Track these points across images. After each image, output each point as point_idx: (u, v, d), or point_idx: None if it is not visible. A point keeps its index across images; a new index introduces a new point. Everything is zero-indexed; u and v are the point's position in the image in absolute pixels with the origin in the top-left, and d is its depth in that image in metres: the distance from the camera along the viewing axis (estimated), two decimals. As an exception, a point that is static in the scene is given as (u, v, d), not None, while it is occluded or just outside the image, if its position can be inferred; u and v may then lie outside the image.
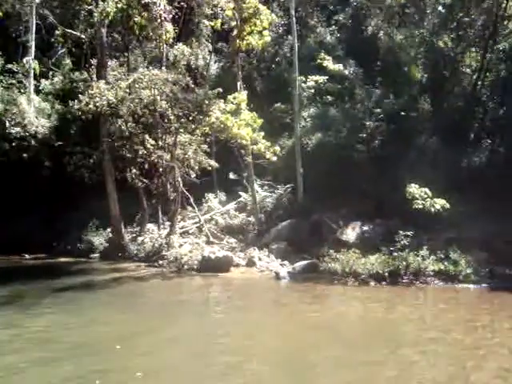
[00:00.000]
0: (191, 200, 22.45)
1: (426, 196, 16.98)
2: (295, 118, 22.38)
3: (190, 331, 10.54)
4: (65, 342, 9.14)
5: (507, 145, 22.44)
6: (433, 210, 16.86)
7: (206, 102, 19.50)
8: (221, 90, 19.93)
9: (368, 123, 22.39)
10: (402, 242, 16.37)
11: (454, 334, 10.43)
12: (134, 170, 20.94)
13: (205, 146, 21.27)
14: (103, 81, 19.89)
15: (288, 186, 22.29)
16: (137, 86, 19.03)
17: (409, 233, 16.60)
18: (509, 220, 19.13)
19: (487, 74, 25.35)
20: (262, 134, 19.91)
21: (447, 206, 17.02)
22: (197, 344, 9.47)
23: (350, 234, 18.71)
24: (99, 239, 22.12)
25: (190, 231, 22.11)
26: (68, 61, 26.49)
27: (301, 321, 11.52)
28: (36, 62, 22.90)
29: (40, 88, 24.94)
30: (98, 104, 18.57)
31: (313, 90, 24.50)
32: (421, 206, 16.87)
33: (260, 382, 7.42)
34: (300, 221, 20.50)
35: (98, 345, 9.05)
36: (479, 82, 25.24)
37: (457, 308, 13.37)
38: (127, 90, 19.04)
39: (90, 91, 18.96)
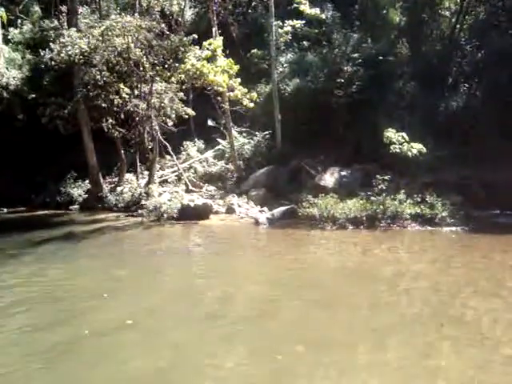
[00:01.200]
0: (169, 149, 22.29)
1: (403, 140, 16.96)
2: (272, 63, 22.08)
3: (172, 277, 10.69)
4: (47, 292, 9.18)
5: (484, 89, 22.52)
6: (410, 154, 16.87)
7: (182, 48, 19.14)
8: (196, 36, 19.55)
9: (346, 68, 22.22)
10: (380, 187, 16.47)
11: (429, 274, 10.67)
12: (110, 120, 20.55)
13: (181, 94, 20.93)
14: (74, 29, 19.31)
15: (266, 132, 22.27)
16: (109, 33, 18.48)
17: (386, 177, 16.68)
18: (484, 164, 19.40)
19: (466, 16, 25.15)
20: (239, 80, 19.65)
21: (424, 150, 17.04)
22: (180, 289, 9.62)
23: (329, 179, 18.82)
24: (78, 191, 21.96)
25: (169, 180, 22.08)
26: (37, 8, 25.68)
27: (279, 265, 11.68)
28: (3, 9, 22.12)
29: (9, 37, 24.19)
30: (70, 53, 18.09)
31: (290, 35, 24.07)
32: (398, 151, 16.88)
33: (241, 324, 7.55)
34: (279, 167, 20.57)
35: (84, 294, 9.12)
36: (458, 26, 25.04)
37: (432, 250, 13.62)
38: (100, 38, 18.50)
39: (61, 40, 18.45)
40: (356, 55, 22.57)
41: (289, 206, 17.74)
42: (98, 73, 18.85)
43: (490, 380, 5.72)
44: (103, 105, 20.07)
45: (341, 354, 6.41)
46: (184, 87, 21.20)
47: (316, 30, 24.78)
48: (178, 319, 7.84)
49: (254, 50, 24.85)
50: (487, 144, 20.18)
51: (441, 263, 11.82)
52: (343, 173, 19.05)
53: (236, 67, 19.46)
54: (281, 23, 23.55)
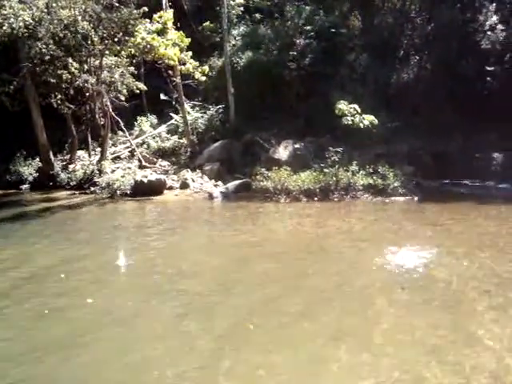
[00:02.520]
0: (121, 124, 21.94)
1: (355, 112, 17.07)
2: (224, 36, 21.81)
3: (127, 254, 10.59)
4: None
5: (434, 61, 22.87)
6: (362, 126, 17.03)
7: (131, 21, 18.61)
8: (146, 9, 19.08)
9: (298, 41, 22.22)
10: (333, 159, 16.66)
11: (380, 243, 10.86)
12: (59, 96, 20.03)
13: (132, 69, 20.55)
14: (17, 0, 18.60)
15: (219, 106, 22.13)
16: (55, 5, 17.87)
17: (339, 149, 16.87)
18: (434, 135, 19.85)
19: (416, -11, 25.36)
20: (190, 53, 19.40)
21: (376, 121, 17.20)
22: (135, 266, 9.56)
23: (282, 152, 18.87)
24: (28, 169, 21.32)
25: (122, 156, 21.76)
26: (-25, -22, 24.50)
27: (233, 238, 11.67)
28: None
29: None
30: (13, 26, 17.41)
31: (242, 8, 23.91)
32: (350, 123, 17.00)
33: (195, 299, 7.56)
34: (232, 141, 20.52)
35: (41, 274, 8.93)
36: (408, -2, 25.28)
37: (384, 219, 13.84)
38: (45, 10, 17.82)
39: (2, 12, 17.70)
40: (308, 28, 22.55)
41: (243, 180, 17.78)
42: (44, 46, 18.23)
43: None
44: (51, 80, 19.48)
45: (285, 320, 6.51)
46: (135, 61, 20.81)
47: (268, 3, 24.70)
48: (131, 295, 7.81)
49: (206, 23, 24.58)
50: (437, 115, 20.62)
51: (393, 232, 12.05)
52: (296, 145, 19.12)
53: (187, 40, 19.16)
54: (233, -5, 23.34)
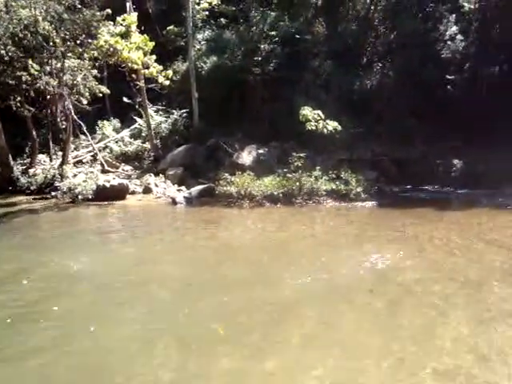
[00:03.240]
0: (84, 128, 21.55)
1: (318, 118, 17.19)
2: (189, 41, 21.67)
3: (88, 260, 10.36)
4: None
5: (397, 69, 23.26)
6: (325, 131, 17.16)
7: (94, 23, 18.34)
8: (109, 11, 18.83)
9: (263, 46, 22.27)
10: (296, 164, 16.70)
11: (343, 247, 10.95)
12: (19, 98, 19.59)
13: (95, 71, 20.20)
14: (-27, -2, 18.16)
15: (183, 110, 22.00)
16: (14, 4, 17.50)
17: (302, 154, 16.93)
18: (397, 141, 20.20)
19: (380, -2, 25.79)
20: (154, 57, 19.24)
21: (339, 127, 17.36)
22: (97, 274, 9.33)
23: (246, 157, 18.87)
24: (-14, 174, 20.80)
25: (84, 160, 21.35)
26: None
27: (196, 243, 11.61)
28: None
29: None
30: (-31, 25, 17.01)
31: (207, 13, 23.86)
32: (314, 128, 17.10)
33: (161, 306, 7.46)
34: (196, 146, 20.40)
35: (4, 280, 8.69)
36: (372, 7, 25.66)
37: (347, 224, 13.96)
38: (3, 9, 17.46)
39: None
40: (273, 33, 22.63)
41: (206, 185, 17.68)
42: (3, 47, 17.78)
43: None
44: (10, 82, 19.02)
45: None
46: (98, 64, 20.43)
47: (233, 8, 24.67)
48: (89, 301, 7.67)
49: (171, 27, 24.43)
50: (399, 122, 20.98)
51: (353, 236, 12.16)
52: (260, 151, 19.18)
53: (151, 44, 18.99)
54: (197, 0, 23.23)
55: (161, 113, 22.69)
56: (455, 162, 21.08)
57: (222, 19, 24.28)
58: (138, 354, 5.86)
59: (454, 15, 26.18)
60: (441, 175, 20.65)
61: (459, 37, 26.18)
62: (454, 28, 26.31)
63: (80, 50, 19.14)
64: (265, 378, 5.34)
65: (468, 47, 26.24)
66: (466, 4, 26.07)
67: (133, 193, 18.02)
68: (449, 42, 26.06)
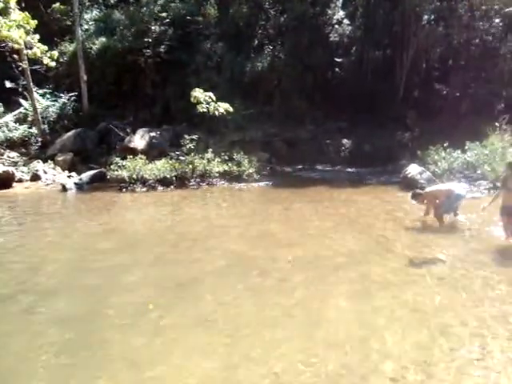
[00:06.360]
0: (-38, 114, 20.29)
1: (210, 100, 17.24)
2: (76, 20, 20.84)
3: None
4: None
5: (287, 51, 23.78)
6: (217, 113, 17.25)
7: (-31, 0, 17.25)
8: (-14, -14, 17.74)
9: (154, 28, 21.94)
10: (188, 146, 16.70)
11: (235, 228, 11.11)
12: None
13: (-30, 52, 19.04)
14: None
15: (72, 94, 21.17)
16: None
17: (194, 137, 16.94)
18: (287, 122, 20.74)
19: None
20: (38, 37, 18.32)
21: (231, 109, 17.48)
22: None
23: (138, 141, 18.59)
24: None
25: (-36, 148, 20.14)
26: None
27: (87, 230, 11.30)
28: None
29: None
30: None
31: (95, -9, 23.15)
32: (205, 110, 17.16)
33: (48, 294, 7.22)
34: (86, 130, 19.77)
35: None
36: (263, -11, 25.96)
37: (240, 205, 14.17)
38: None
39: None
40: (164, 14, 22.38)
41: (98, 170, 17.26)
42: None
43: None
44: None
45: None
46: (-27, 43, 19.25)
47: (122, -13, 24.04)
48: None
49: (56, 5, 23.30)
50: (290, 103, 21.54)
51: (246, 217, 12.35)
52: (153, 134, 18.93)
53: (34, 22, 17.97)
54: (84, -23, 22.49)
55: (48, 96, 21.67)
56: (344, 141, 21.99)
57: (110, -2, 23.65)
58: None
59: (340, 0, 27.14)
60: (330, 155, 21.48)
61: (346, 21, 27.21)
62: (341, 13, 27.29)
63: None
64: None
65: (354, 31, 27.34)
66: (352, -11, 27.15)
67: (20, 181, 17.18)
68: (336, 26, 27.00)
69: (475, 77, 24.42)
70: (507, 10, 23.05)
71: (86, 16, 22.71)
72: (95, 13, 23.14)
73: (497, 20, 24.93)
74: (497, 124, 16.08)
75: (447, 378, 4.54)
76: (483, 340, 5.18)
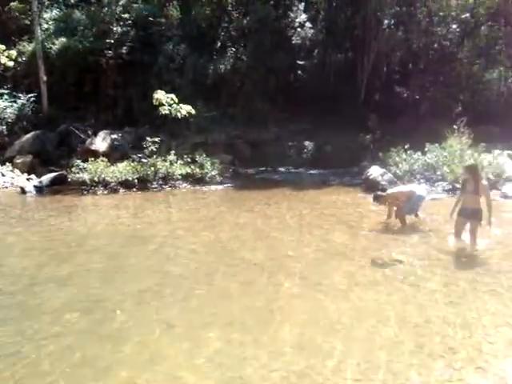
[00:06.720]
0: None
1: (172, 102, 17.17)
2: (35, 19, 20.48)
3: None
4: None
5: (250, 53, 23.86)
6: (179, 115, 17.20)
7: None
8: None
9: (116, 28, 21.73)
10: (150, 149, 16.57)
11: (198, 230, 11.08)
12: None
13: None
14: None
15: (31, 95, 20.73)
16: None
17: (156, 139, 16.81)
18: (250, 124, 20.80)
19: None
20: (-5, 36, 18.02)
21: (193, 111, 17.46)
22: None
23: (100, 143, 18.35)
24: None
25: None
26: None
27: (47, 235, 11.11)
28: None
29: None
30: None
31: (54, -10, 22.77)
32: (168, 112, 17.08)
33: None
34: (46, 132, 19.41)
35: None
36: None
37: (202, 208, 14.10)
38: None
39: None
40: (126, 15, 22.21)
41: (58, 173, 16.96)
42: None
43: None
44: None
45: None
46: None
47: (84, -13, 23.72)
48: None
49: (14, 3, 22.82)
50: (253, 105, 21.62)
51: (209, 220, 12.32)
52: (114, 136, 18.74)
53: (-11, 20, 17.74)
54: (43, -25, 22.10)
55: (6, 97, 21.18)
56: (306, 143, 22.16)
57: (71, -2, 23.30)
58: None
59: (303, 3, 27.38)
60: (293, 156, 21.63)
61: (308, 24, 27.46)
62: (304, 16, 27.53)
63: None
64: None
65: (317, 34, 27.63)
66: (313, -6, 27.44)
67: (-24, 184, 16.81)
68: (299, 29, 27.24)
69: (434, 80, 25.03)
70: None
71: (46, 15, 22.32)
72: (55, 12, 22.75)
73: (454, 26, 25.56)
74: (455, 126, 16.44)
75: (412, 375, 4.68)
76: (430, 338, 5.36)
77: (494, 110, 23.02)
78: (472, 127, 16.57)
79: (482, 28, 25.98)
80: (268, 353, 5.18)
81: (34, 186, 16.14)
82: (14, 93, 21.10)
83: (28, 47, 21.70)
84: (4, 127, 20.06)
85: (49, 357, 5.21)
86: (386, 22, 26.25)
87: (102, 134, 18.75)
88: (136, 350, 5.36)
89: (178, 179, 16.44)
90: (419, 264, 8.00)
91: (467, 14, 24.77)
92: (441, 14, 24.85)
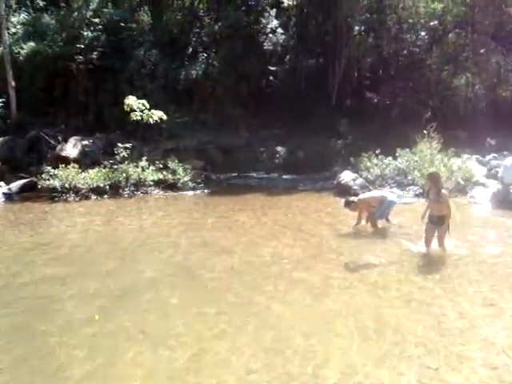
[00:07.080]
0: None
1: (143, 108, 17.08)
2: (2, 23, 20.08)
3: None
4: None
5: (221, 59, 23.90)
6: (151, 121, 17.13)
7: None
8: None
9: (86, 33, 21.53)
10: (122, 155, 16.44)
11: (169, 237, 11.05)
12: None
13: None
14: None
15: (-1, 100, 20.49)
16: None
17: (128, 145, 16.69)
18: (222, 130, 20.81)
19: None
20: (-41, 40, 17.69)
21: (165, 117, 17.41)
22: None
23: (71, 149, 18.10)
24: None
25: None
26: None
27: (17, 242, 10.94)
28: None
29: None
30: None
31: (23, -7, 22.48)
32: (139, 118, 16.99)
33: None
34: (15, 138, 19.05)
35: None
36: (197, -3, 26.05)
37: (174, 213, 14.04)
38: None
39: None
40: (96, 20, 22.03)
41: (28, 179, 16.70)
42: None
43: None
44: None
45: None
46: None
47: (53, -11, 23.48)
48: None
49: (-20, 7, 22.50)
50: (224, 111, 21.66)
51: (182, 226, 12.27)
52: (85, 142, 18.52)
53: (-45, 25, 17.40)
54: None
55: (-28, 103, 20.86)
56: (278, 148, 22.22)
57: (39, 1, 22.94)
58: None
59: (274, 9, 27.52)
60: (265, 162, 21.67)
61: (280, 30, 27.60)
62: (275, 22, 27.67)
63: None
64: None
65: (288, 40, 27.80)
66: (285, 0, 27.62)
67: None
68: (270, 35, 27.35)
69: (404, 86, 25.43)
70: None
71: (14, 19, 21.96)
72: (23, 16, 22.42)
73: (423, 33, 26.03)
74: (425, 132, 16.70)
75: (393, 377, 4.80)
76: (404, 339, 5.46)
77: (462, 115, 23.49)
78: (441, 132, 16.87)
79: (450, 35, 26.56)
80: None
81: (3, 193, 15.88)
82: (-19, 99, 20.76)
83: (-5, 52, 21.36)
84: (-31, 134, 19.66)
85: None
86: (356, 28, 26.57)
87: (72, 140, 18.50)
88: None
89: (149, 185, 16.37)
90: (392, 267, 8.14)
91: (435, 22, 25.26)
92: (410, 21, 25.30)
